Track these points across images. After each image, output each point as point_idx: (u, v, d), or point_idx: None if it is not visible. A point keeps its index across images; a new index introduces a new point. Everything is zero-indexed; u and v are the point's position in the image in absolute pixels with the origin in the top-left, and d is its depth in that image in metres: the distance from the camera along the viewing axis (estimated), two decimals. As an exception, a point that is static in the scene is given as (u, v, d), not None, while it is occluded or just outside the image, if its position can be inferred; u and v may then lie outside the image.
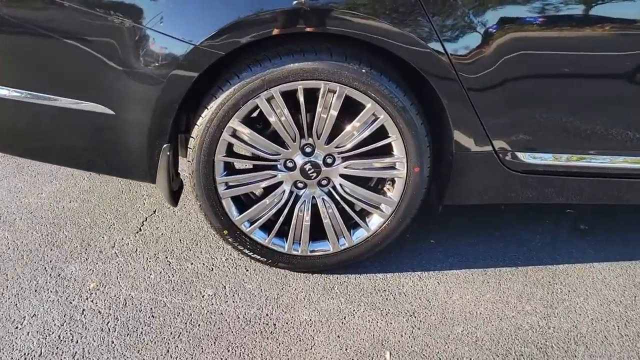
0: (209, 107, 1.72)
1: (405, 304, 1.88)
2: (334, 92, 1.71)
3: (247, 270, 2.01)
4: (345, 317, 1.82)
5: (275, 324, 1.79)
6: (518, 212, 2.38)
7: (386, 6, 1.62)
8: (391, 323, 1.81)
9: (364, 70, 1.69)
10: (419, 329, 1.79)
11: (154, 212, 2.32)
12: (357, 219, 1.92)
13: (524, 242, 2.21)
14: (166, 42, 1.64)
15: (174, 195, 1.93)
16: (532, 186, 1.94)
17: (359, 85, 1.70)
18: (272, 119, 1.75)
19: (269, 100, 1.72)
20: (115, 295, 1.87)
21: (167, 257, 2.06)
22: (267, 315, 1.82)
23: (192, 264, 2.04)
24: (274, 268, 2.01)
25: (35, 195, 2.41)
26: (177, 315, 1.80)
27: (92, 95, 1.74)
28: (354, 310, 1.85)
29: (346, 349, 1.71)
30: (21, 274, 1.94)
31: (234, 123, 1.74)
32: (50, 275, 1.95)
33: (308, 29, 1.63)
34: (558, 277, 2.03)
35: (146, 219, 2.27)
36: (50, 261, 2.02)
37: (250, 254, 1.95)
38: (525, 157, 1.86)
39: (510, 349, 1.73)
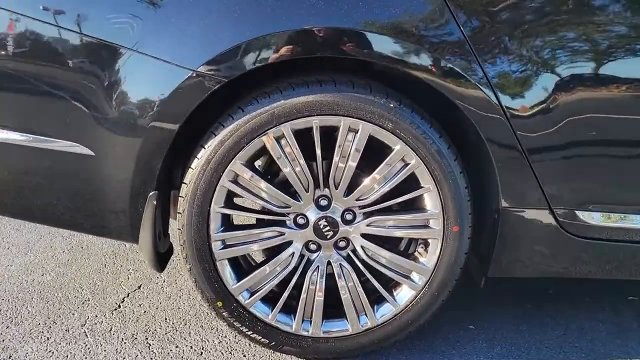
0: (206, 147, 1.44)
1: (446, 404, 1.47)
2: (356, 131, 1.43)
3: (245, 357, 1.61)
4: (368, 419, 1.40)
5: None
6: (567, 294, 1.99)
7: (425, 37, 1.38)
8: None
9: (392, 105, 1.42)
10: None
11: (139, 287, 1.96)
12: (382, 291, 1.55)
13: (585, 331, 1.80)
14: (159, 68, 1.39)
15: (160, 259, 1.59)
16: (597, 255, 1.59)
17: (385, 123, 1.42)
18: (281, 163, 1.45)
19: (278, 139, 1.44)
20: (74, 384, 1.48)
21: (147, 338, 1.68)
22: (267, 413, 1.41)
23: (177, 346, 1.65)
24: (278, 353, 1.61)
25: (3, 267, 2.07)
26: (150, 411, 1.40)
27: (69, 134, 1.48)
28: (380, 409, 1.44)
29: None
30: (-37, 355, 1.57)
31: (236, 166, 1.44)
32: (0, 357, 1.57)
33: (328, 54, 1.38)
34: (636, 375, 1.61)
35: (128, 295, 1.91)
36: (4, 340, 1.64)
37: (249, 333, 1.56)
38: (589, 218, 1.53)
39: None
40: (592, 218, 1.53)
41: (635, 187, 1.53)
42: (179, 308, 1.84)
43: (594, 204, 1.52)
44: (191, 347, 1.64)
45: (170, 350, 1.63)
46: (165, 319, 1.78)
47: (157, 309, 1.83)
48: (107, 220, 1.53)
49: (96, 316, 1.78)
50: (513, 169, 1.46)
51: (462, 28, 1.37)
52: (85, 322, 1.75)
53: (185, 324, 1.75)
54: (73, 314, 1.79)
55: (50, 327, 1.72)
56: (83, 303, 1.85)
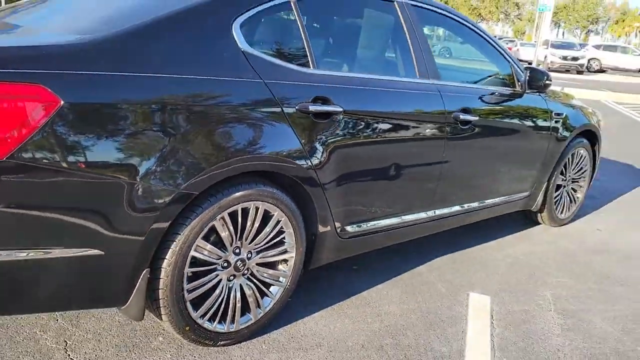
0: (181, 233, 2.29)
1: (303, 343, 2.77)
2: (258, 207, 2.53)
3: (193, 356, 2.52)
4: (287, 361, 2.59)
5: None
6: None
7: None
8: None
9: (274, 191, 2.57)
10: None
11: (66, 340, 2.50)
12: (266, 290, 2.71)
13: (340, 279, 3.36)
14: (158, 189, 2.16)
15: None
16: (356, 244, 3.12)
17: (272, 201, 2.57)
18: (222, 233, 2.43)
19: (220, 219, 2.40)
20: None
21: None
22: (241, 377, 2.42)
23: None
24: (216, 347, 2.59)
25: None
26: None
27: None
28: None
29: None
30: None
31: (200, 242, 2.35)
32: None
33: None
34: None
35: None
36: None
37: (201, 340, 2.50)
38: (350, 229, 3.03)
39: (377, 346, 2.83)
40: (351, 228, 3.05)
41: (373, 205, 3.09)
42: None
43: (352, 222, 3.03)
44: None
45: None
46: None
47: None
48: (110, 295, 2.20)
49: None
50: (321, 206, 2.81)
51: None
52: None
53: (136, 352, 2.48)
54: None
55: None
56: None
